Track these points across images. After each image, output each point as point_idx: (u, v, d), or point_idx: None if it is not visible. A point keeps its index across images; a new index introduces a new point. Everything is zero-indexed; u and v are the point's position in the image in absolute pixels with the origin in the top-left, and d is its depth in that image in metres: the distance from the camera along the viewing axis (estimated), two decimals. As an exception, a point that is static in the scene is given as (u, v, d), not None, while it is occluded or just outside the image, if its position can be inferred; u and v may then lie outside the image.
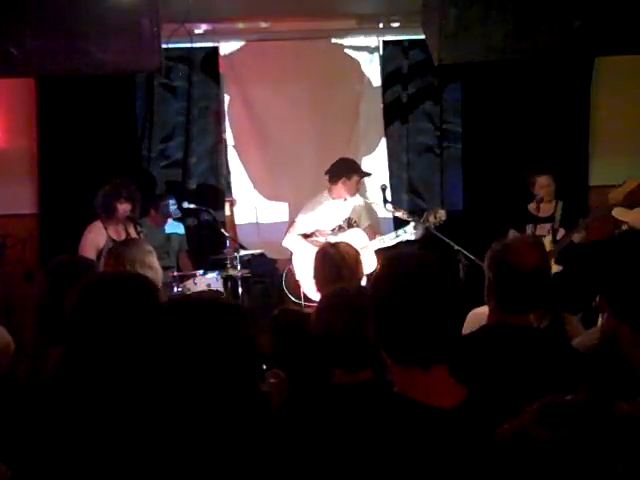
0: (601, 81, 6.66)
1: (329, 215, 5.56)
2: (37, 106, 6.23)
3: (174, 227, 6.05)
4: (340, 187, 5.49)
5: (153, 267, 3.49)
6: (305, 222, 5.58)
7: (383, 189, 5.38)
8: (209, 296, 1.90)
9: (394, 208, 5.39)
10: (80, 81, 5.82)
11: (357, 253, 3.57)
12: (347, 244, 3.68)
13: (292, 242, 5.56)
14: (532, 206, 5.67)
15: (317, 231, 5.55)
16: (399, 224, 5.67)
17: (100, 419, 1.92)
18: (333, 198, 5.55)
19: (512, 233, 5.53)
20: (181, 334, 1.70)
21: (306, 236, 5.57)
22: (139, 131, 6.34)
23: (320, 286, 3.53)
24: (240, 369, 1.69)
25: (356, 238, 5.31)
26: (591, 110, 6.69)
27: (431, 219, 5.09)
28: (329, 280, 3.41)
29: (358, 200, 5.61)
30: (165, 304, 1.87)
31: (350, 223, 5.54)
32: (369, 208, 5.73)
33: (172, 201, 5.93)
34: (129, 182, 5.31)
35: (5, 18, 4.43)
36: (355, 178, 5.47)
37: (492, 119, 6.52)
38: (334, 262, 3.45)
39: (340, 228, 5.52)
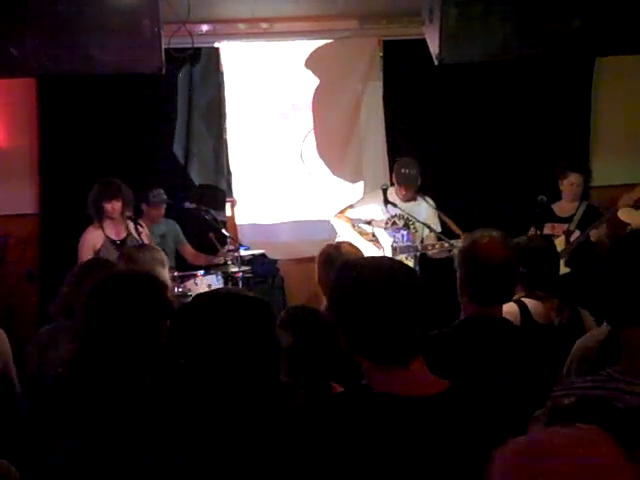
0: (602, 81, 6.66)
1: (376, 210, 5.52)
2: (38, 106, 6.23)
3: (166, 225, 6.04)
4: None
5: (163, 279, 3.49)
6: (359, 210, 5.57)
7: (384, 190, 5.36)
8: (235, 290, 1.92)
9: (447, 218, 5.27)
10: (81, 81, 5.82)
11: (359, 254, 3.53)
12: (349, 245, 3.66)
13: (339, 224, 5.54)
14: (555, 206, 5.64)
15: (373, 221, 5.53)
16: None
17: (110, 415, 1.93)
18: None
19: (532, 231, 5.50)
20: (207, 326, 1.72)
21: (367, 222, 5.55)
22: (139, 131, 6.34)
23: (324, 288, 3.48)
24: (263, 362, 1.71)
25: (391, 238, 5.33)
26: (592, 110, 6.69)
27: None
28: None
29: (426, 206, 5.48)
30: (194, 298, 1.90)
31: (407, 223, 5.46)
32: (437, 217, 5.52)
33: (161, 190, 5.91)
34: (113, 180, 5.31)
35: (6, 18, 4.43)
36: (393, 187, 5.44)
37: (492, 119, 6.52)
38: (337, 264, 3.41)
39: (394, 224, 5.48)
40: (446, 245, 5.10)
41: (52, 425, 2.09)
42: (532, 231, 5.45)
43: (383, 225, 5.48)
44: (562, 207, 5.63)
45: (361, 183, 6.64)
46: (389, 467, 1.54)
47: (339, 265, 1.83)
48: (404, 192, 5.39)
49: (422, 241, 5.48)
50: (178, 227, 6.12)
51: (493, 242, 2.62)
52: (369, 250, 5.12)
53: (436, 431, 1.57)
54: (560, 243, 5.35)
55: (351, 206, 5.64)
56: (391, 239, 5.37)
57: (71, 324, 2.77)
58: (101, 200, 5.24)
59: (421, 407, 1.59)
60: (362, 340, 1.65)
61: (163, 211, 5.95)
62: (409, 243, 5.36)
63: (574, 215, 5.53)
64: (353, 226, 5.50)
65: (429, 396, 1.61)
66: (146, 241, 5.26)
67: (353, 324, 1.66)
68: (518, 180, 6.40)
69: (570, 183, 5.56)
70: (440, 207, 5.55)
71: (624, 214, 5.17)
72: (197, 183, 6.55)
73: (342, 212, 5.61)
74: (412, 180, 5.38)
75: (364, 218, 5.57)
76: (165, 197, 5.89)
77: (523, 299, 3.21)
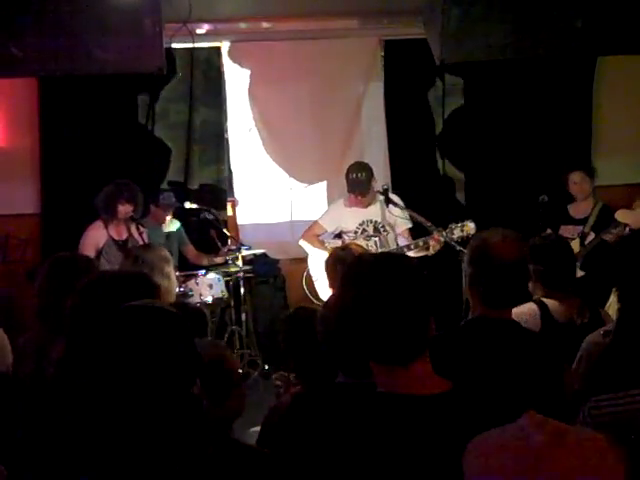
0: (603, 81, 6.65)
1: (348, 218, 5.42)
2: (39, 106, 6.22)
3: (171, 225, 6.03)
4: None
5: (170, 277, 3.50)
6: (326, 224, 5.50)
7: (385, 190, 5.33)
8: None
9: (418, 215, 5.10)
10: (82, 81, 5.82)
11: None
12: (357, 245, 3.66)
13: (307, 245, 5.48)
14: (570, 207, 5.59)
15: (342, 232, 5.45)
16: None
17: (99, 418, 1.92)
18: (347, 205, 5.41)
19: (549, 232, 5.45)
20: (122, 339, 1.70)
21: (336, 235, 5.50)
22: (141, 130, 6.34)
23: (335, 290, 3.48)
24: (173, 375, 1.69)
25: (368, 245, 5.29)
26: (593, 110, 6.68)
27: (457, 232, 4.84)
28: None
29: (392, 204, 5.28)
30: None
31: (376, 227, 5.34)
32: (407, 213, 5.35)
33: (171, 193, 5.91)
34: (131, 183, 5.32)
35: (7, 18, 4.44)
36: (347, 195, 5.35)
37: (494, 119, 6.51)
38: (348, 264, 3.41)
39: (363, 231, 5.38)
40: (420, 244, 5.05)
41: (43, 426, 2.09)
42: (549, 232, 5.42)
43: (353, 235, 5.35)
44: (577, 208, 5.57)
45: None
46: (383, 465, 1.54)
47: (349, 262, 1.82)
48: (359, 197, 5.24)
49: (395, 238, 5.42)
50: (182, 227, 6.11)
51: (507, 241, 2.52)
52: None
53: (434, 430, 1.56)
54: (575, 246, 5.29)
55: (315, 223, 5.55)
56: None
57: (48, 328, 2.74)
58: (116, 200, 5.23)
59: (421, 406, 1.59)
60: (364, 339, 1.65)
61: (170, 214, 5.94)
62: (382, 249, 5.27)
63: (589, 217, 5.48)
64: (321, 243, 5.39)
65: (429, 395, 1.61)
66: (146, 242, 5.27)
67: (355, 320, 1.65)
68: (520, 180, 6.39)
69: (573, 182, 5.54)
70: (439, 206, 5.53)
71: (621, 215, 5.13)
72: (198, 183, 6.55)
73: (308, 231, 5.53)
74: (361, 184, 5.22)
75: (331, 230, 5.49)
76: (174, 200, 5.88)
77: (543, 299, 3.18)
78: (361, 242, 5.25)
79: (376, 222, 5.34)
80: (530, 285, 3.36)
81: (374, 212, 5.34)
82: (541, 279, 3.21)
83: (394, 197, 5.33)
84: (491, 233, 2.57)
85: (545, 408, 2.30)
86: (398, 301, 1.62)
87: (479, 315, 2.49)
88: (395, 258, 1.80)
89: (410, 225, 5.30)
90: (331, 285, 3.54)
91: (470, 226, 4.83)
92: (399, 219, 5.29)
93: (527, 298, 3.09)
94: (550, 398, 2.31)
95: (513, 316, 3.11)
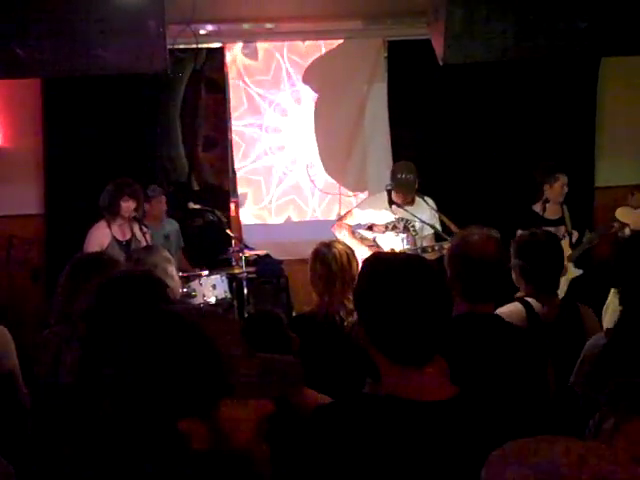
0: (607, 82, 6.65)
1: (385, 212, 5.43)
2: (43, 107, 6.25)
3: (170, 225, 5.99)
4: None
5: (174, 277, 3.52)
6: (360, 215, 5.51)
7: (388, 190, 5.33)
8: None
9: (448, 220, 5.17)
10: (85, 81, 5.83)
11: (350, 252, 3.57)
12: (341, 243, 3.68)
13: (338, 233, 5.49)
14: (538, 207, 5.63)
15: (374, 226, 5.48)
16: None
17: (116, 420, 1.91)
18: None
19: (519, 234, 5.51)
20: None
21: (368, 227, 5.50)
22: (144, 131, 6.35)
23: (313, 285, 3.53)
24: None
25: (391, 242, 5.30)
26: (597, 111, 6.68)
27: None
28: (321, 279, 3.43)
29: (426, 207, 5.32)
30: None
31: (406, 226, 5.37)
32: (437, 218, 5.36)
33: (155, 185, 5.86)
34: (132, 181, 5.32)
35: (11, 19, 4.45)
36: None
37: (498, 120, 6.51)
38: (326, 261, 3.46)
39: (394, 227, 5.41)
40: (445, 246, 5.06)
41: (60, 433, 2.09)
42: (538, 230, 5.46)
43: (383, 229, 5.41)
44: (550, 209, 5.62)
45: (365, 183, 6.64)
46: (382, 471, 1.53)
47: (368, 257, 1.82)
48: (402, 196, 5.28)
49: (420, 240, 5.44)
50: (179, 229, 6.08)
51: (484, 239, 2.62)
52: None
53: (435, 437, 1.55)
54: (565, 245, 5.33)
55: (350, 212, 5.59)
56: (391, 244, 5.33)
57: (70, 330, 2.74)
58: (119, 197, 5.22)
59: (423, 412, 1.58)
60: (382, 335, 1.64)
61: (165, 205, 5.90)
62: (408, 246, 5.31)
63: (563, 217, 5.54)
64: (352, 233, 5.41)
65: (433, 402, 1.59)
66: (149, 242, 5.27)
67: (376, 318, 1.64)
68: (524, 181, 6.38)
69: (561, 185, 5.57)
70: (445, 208, 5.52)
71: (622, 214, 5.15)
72: (201, 183, 6.55)
73: (341, 219, 5.56)
74: (409, 185, 5.26)
75: (364, 223, 5.52)
76: (161, 189, 5.85)
77: (527, 298, 3.17)
78: (389, 237, 5.29)
79: (407, 221, 5.38)
80: (514, 278, 3.38)
81: (412, 210, 5.32)
82: (525, 276, 3.20)
83: (429, 200, 5.36)
84: (469, 232, 2.65)
85: (529, 402, 2.31)
86: (424, 299, 1.62)
87: (464, 312, 2.53)
88: (416, 257, 1.81)
89: (432, 231, 5.31)
90: (310, 279, 3.56)
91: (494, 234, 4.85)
92: (425, 224, 5.29)
93: (508, 293, 3.12)
94: (535, 392, 2.33)
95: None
